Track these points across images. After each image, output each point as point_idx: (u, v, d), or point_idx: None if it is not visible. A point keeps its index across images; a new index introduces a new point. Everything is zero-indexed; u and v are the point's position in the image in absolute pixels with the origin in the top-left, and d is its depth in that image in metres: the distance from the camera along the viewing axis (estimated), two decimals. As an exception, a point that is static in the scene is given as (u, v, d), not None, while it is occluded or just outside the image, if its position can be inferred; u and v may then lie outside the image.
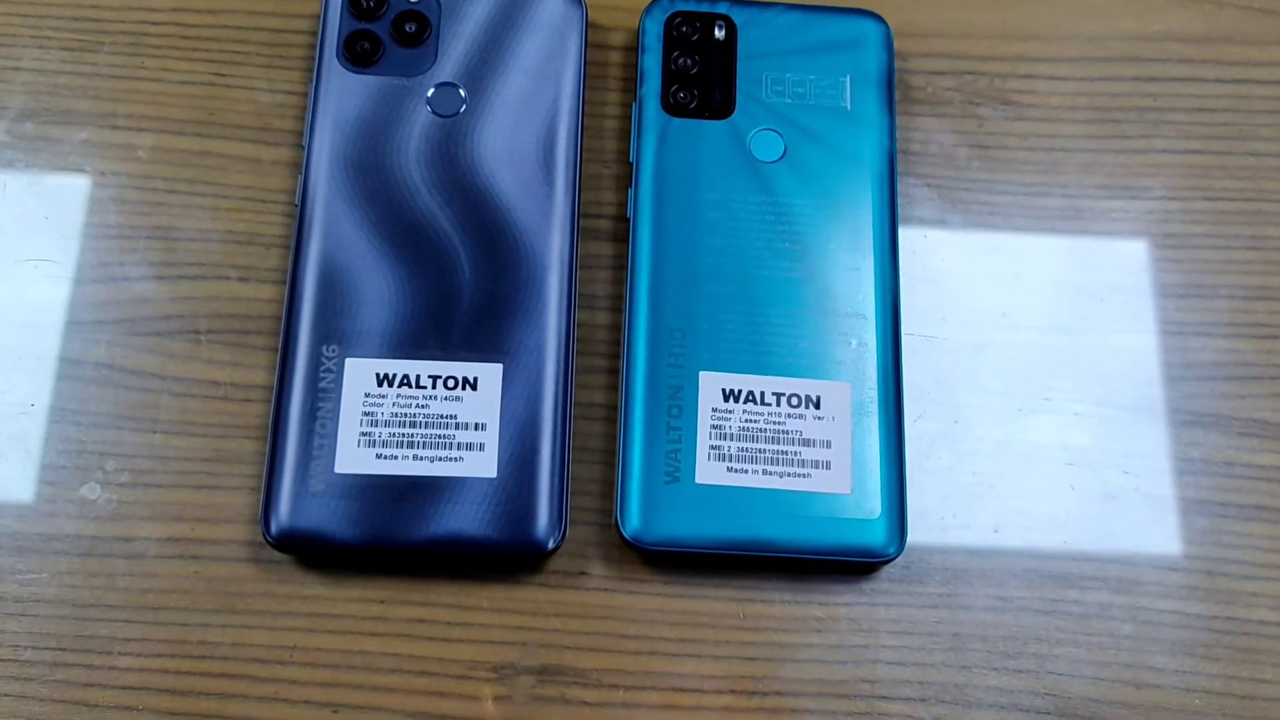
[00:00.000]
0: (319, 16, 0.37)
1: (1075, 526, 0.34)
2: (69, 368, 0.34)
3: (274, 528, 0.32)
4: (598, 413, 0.35)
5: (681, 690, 0.33)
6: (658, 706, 0.32)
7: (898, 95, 0.38)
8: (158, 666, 0.32)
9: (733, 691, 0.33)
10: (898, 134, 0.37)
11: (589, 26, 0.38)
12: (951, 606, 0.34)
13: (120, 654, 0.32)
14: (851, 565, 0.33)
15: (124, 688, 0.32)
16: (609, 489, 0.34)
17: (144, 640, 0.32)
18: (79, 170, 0.36)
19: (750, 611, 0.33)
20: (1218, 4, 0.40)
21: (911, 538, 0.34)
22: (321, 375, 0.33)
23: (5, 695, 0.32)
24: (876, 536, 0.33)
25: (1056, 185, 0.38)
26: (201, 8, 0.38)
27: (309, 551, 0.33)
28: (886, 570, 0.34)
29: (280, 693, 0.32)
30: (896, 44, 0.38)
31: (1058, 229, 0.37)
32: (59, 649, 0.32)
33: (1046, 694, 0.33)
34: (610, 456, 0.34)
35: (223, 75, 0.37)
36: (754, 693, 0.33)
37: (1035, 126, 0.38)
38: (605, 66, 0.38)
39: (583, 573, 0.33)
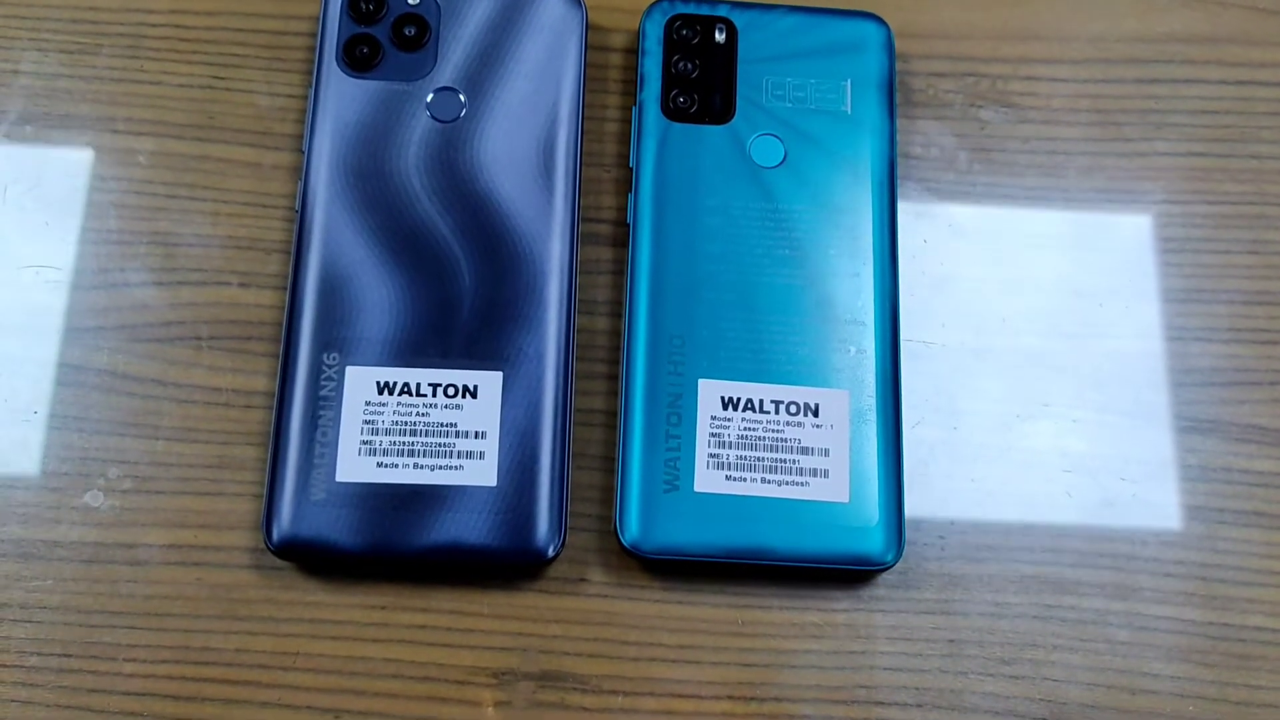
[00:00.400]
0: (318, 19, 0.37)
1: (1072, 533, 0.35)
2: (71, 374, 0.34)
3: (276, 536, 0.32)
4: (597, 419, 0.35)
5: (680, 696, 0.33)
6: (657, 712, 0.33)
7: (899, 98, 0.38)
8: (162, 672, 0.32)
9: (731, 697, 0.33)
10: (898, 137, 0.37)
11: (589, 28, 0.37)
12: (948, 613, 0.34)
13: (125, 660, 0.32)
14: (849, 573, 0.33)
15: (128, 693, 0.32)
16: (609, 495, 0.34)
17: (148, 646, 0.33)
18: (78, 175, 0.36)
19: (748, 618, 0.34)
20: (1221, 4, 0.40)
21: (909, 544, 0.34)
22: (322, 383, 0.33)
23: (12, 701, 0.32)
24: (874, 544, 0.33)
25: (1057, 189, 0.38)
26: (199, 9, 0.38)
27: (311, 559, 0.33)
28: (884, 577, 0.34)
29: (283, 698, 0.32)
30: (898, 45, 0.38)
31: (1058, 233, 0.37)
32: (64, 655, 0.32)
33: (1042, 700, 0.33)
34: (610, 463, 0.34)
35: (222, 78, 0.37)
36: (752, 698, 0.33)
37: (1037, 129, 0.38)
38: (605, 69, 0.38)
39: (582, 579, 0.34)
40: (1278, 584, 0.34)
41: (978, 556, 0.34)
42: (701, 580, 0.34)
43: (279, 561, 0.33)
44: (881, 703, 0.33)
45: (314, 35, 0.38)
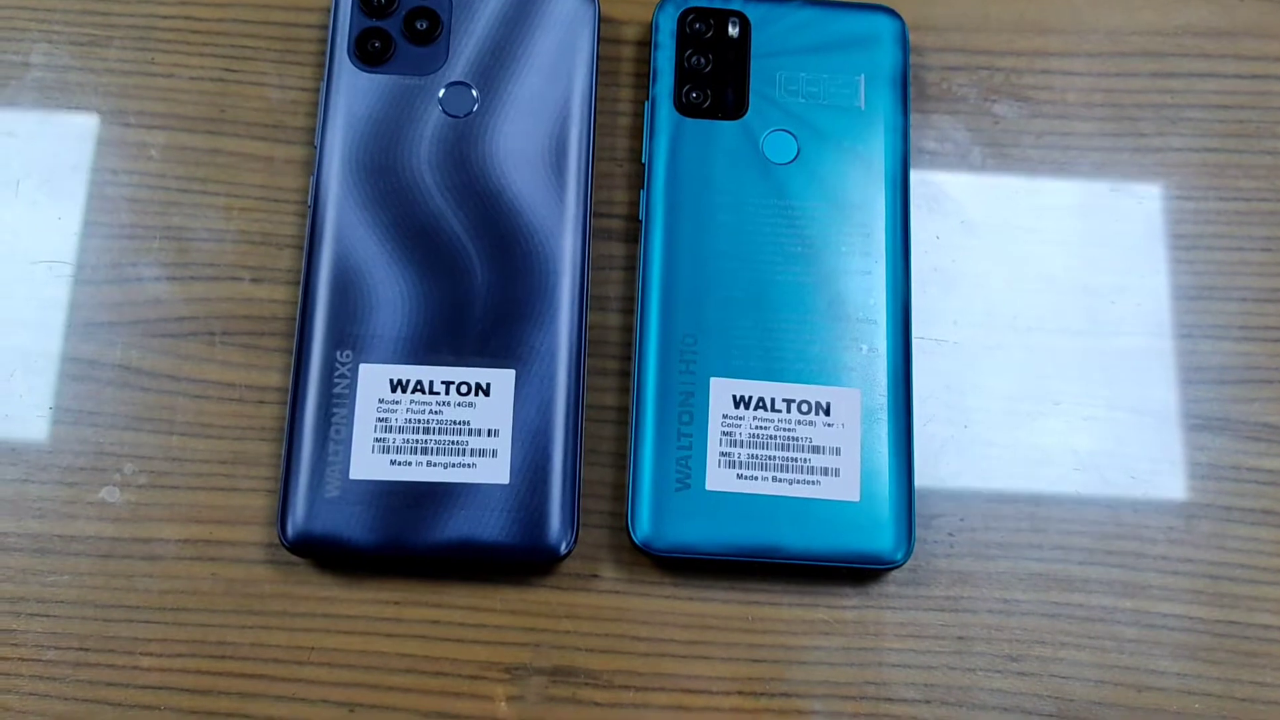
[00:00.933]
0: (329, 10, 0.37)
1: (1081, 530, 0.35)
2: (85, 369, 0.35)
3: (290, 533, 0.32)
4: (609, 415, 0.35)
5: (691, 691, 0.33)
6: (667, 707, 0.33)
7: (912, 92, 0.38)
8: (178, 666, 0.33)
9: (741, 693, 0.33)
10: (911, 133, 0.37)
11: (601, 20, 0.37)
12: (957, 610, 0.34)
13: (141, 654, 0.33)
14: (859, 570, 0.34)
15: (146, 687, 0.33)
16: (620, 491, 0.34)
17: (164, 640, 0.33)
18: (91, 168, 0.36)
19: (759, 614, 0.34)
20: (1239, -4, 0.39)
21: (919, 541, 0.34)
22: (336, 381, 0.33)
23: (30, 694, 0.32)
24: (884, 543, 0.33)
25: (1070, 185, 0.37)
26: (210, 0, 0.38)
27: (325, 556, 0.33)
28: (893, 574, 0.34)
29: (298, 692, 0.33)
30: (912, 38, 0.38)
31: (1070, 229, 0.37)
32: (81, 649, 0.33)
33: (1050, 696, 0.34)
34: (622, 459, 0.35)
35: (233, 71, 0.37)
36: (762, 694, 0.33)
37: (1051, 124, 0.38)
38: (618, 61, 0.38)
39: (594, 575, 0.34)
40: (1285, 582, 0.35)
41: (987, 554, 0.35)
42: (712, 577, 0.34)
43: (293, 557, 0.33)
44: (890, 699, 0.33)
45: (325, 28, 0.37)
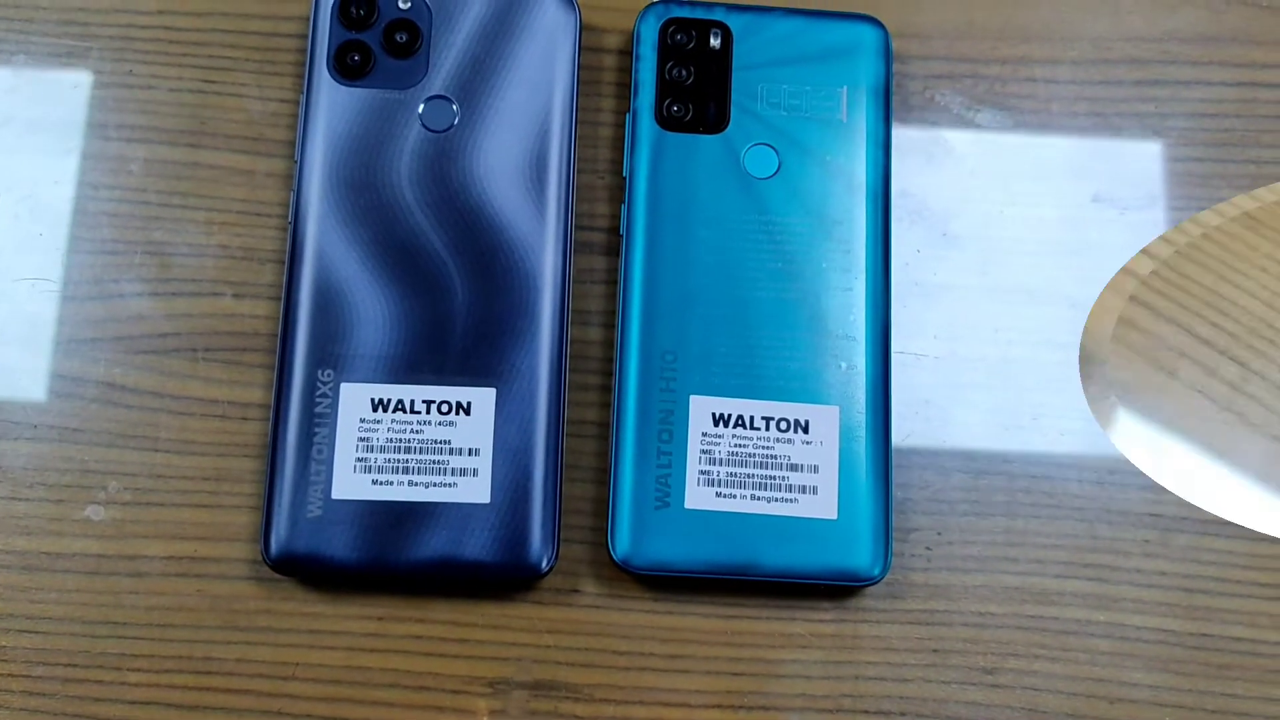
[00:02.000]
0: (307, 19, 0.37)
1: (1057, 544, 0.35)
2: (69, 386, 0.35)
3: (273, 551, 0.33)
4: (590, 430, 0.35)
5: (670, 705, 0.34)
6: (647, 720, 0.34)
7: (895, 101, 0.37)
8: (165, 682, 0.33)
9: (719, 706, 0.34)
10: (894, 143, 0.37)
11: (583, 29, 0.37)
12: (932, 623, 0.35)
13: (129, 670, 0.33)
14: (837, 586, 0.34)
15: (133, 702, 0.33)
16: (601, 506, 0.35)
17: (151, 656, 0.33)
18: (71, 183, 0.36)
19: (737, 629, 0.34)
20: (1225, 0, 0.39)
21: (896, 555, 0.35)
22: (317, 400, 0.34)
23: (20, 710, 0.33)
24: (861, 560, 0.33)
25: (1051, 196, 0.37)
26: (188, 10, 0.37)
27: (308, 574, 0.33)
28: (870, 588, 0.35)
29: (284, 708, 0.33)
30: (895, 45, 0.38)
31: (1052, 241, 0.37)
32: (69, 665, 0.33)
33: (1023, 708, 0.34)
34: (602, 474, 0.35)
35: (212, 82, 0.37)
36: (740, 707, 0.34)
37: (1034, 134, 0.38)
38: (600, 71, 0.38)
39: (575, 590, 0.34)
40: (1259, 594, 0.35)
41: (963, 567, 0.35)
42: (691, 592, 0.34)
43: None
44: (866, 711, 0.34)
45: (303, 37, 0.37)
